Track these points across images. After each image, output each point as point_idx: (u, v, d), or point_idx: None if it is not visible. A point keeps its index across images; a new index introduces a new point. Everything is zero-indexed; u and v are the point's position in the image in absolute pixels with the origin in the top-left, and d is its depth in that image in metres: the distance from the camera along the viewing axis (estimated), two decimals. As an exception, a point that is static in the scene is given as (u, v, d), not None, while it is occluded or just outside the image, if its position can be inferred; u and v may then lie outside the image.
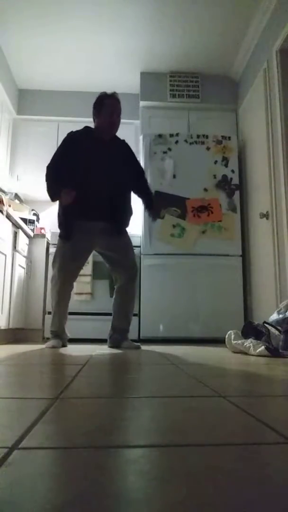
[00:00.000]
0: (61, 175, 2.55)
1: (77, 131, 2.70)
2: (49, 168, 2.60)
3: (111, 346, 2.64)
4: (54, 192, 2.55)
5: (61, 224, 2.61)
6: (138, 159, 2.87)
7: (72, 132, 2.69)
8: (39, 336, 3.58)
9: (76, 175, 2.54)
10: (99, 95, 2.69)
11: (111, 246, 2.67)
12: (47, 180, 2.59)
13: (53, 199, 2.59)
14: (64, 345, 2.60)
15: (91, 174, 2.55)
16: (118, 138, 2.76)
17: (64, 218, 2.58)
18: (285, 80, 2.99)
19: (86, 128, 2.72)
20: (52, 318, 2.65)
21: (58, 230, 4.25)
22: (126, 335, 2.67)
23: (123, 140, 2.78)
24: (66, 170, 2.55)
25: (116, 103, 2.63)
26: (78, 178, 2.54)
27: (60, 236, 2.62)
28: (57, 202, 2.61)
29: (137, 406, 0.77)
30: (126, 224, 2.72)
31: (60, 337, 2.60)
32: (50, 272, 3.70)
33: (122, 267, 2.68)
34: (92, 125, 2.72)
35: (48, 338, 3.56)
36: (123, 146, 2.76)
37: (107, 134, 2.66)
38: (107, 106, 2.61)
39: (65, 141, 2.65)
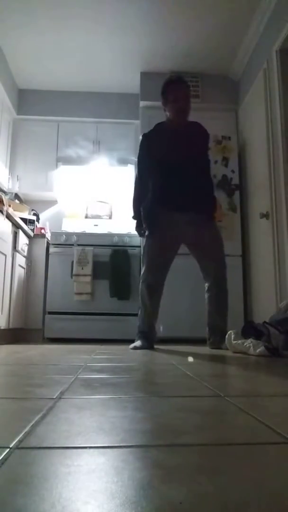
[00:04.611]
0: (146, 181, 2.58)
1: (150, 131, 2.67)
2: (137, 177, 2.66)
3: (213, 348, 2.47)
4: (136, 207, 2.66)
5: (145, 220, 2.59)
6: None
7: (145, 133, 2.68)
8: (39, 336, 3.58)
9: (159, 173, 2.53)
10: (164, 81, 2.58)
11: (199, 239, 2.53)
12: (134, 190, 2.67)
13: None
14: (151, 347, 2.48)
15: (172, 166, 2.49)
16: (194, 123, 2.65)
17: (149, 214, 2.56)
18: (285, 80, 2.99)
19: (158, 124, 2.68)
20: (138, 317, 2.58)
21: (58, 230, 4.26)
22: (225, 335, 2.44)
23: (199, 124, 2.65)
24: (150, 171, 2.57)
25: (180, 87, 2.53)
26: (162, 175, 2.51)
27: (146, 231, 2.61)
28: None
29: (136, 406, 0.76)
30: (212, 212, 2.58)
31: (147, 338, 2.50)
32: (50, 272, 3.73)
33: (212, 260, 2.55)
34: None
35: (48, 339, 3.58)
36: (198, 129, 2.63)
37: (179, 121, 2.57)
38: (171, 92, 2.52)
39: (142, 144, 2.66)
